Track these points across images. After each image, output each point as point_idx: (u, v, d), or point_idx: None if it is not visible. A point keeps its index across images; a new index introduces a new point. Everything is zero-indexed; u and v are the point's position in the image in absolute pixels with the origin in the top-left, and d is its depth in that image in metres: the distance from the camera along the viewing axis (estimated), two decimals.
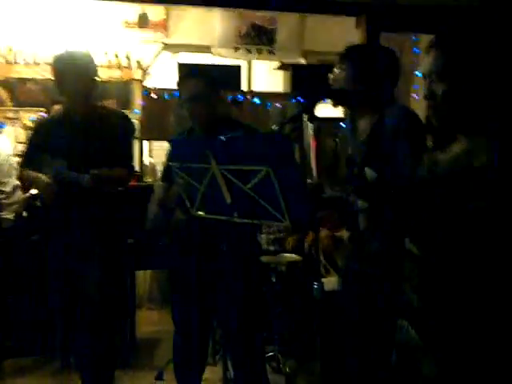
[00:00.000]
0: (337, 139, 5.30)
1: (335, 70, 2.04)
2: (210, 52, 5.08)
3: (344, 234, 2.40)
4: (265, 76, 5.63)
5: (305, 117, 1.66)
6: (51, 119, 2.69)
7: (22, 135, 4.90)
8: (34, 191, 3.51)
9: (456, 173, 1.35)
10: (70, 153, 2.45)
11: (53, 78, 2.53)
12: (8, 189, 3.51)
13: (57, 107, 4.03)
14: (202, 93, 2.38)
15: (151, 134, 4.90)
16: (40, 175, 2.45)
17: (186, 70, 2.56)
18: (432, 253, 1.39)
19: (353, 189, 1.35)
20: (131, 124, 2.78)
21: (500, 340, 1.32)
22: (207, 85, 2.40)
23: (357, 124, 2.10)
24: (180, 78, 2.53)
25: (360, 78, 1.98)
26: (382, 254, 1.93)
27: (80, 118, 2.54)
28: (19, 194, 3.61)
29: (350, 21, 4.39)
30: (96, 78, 2.57)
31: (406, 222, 1.40)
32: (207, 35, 5.06)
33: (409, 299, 1.47)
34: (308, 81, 4.96)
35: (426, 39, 4.58)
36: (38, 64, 4.85)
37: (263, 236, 3.89)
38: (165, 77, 5.07)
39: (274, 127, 1.62)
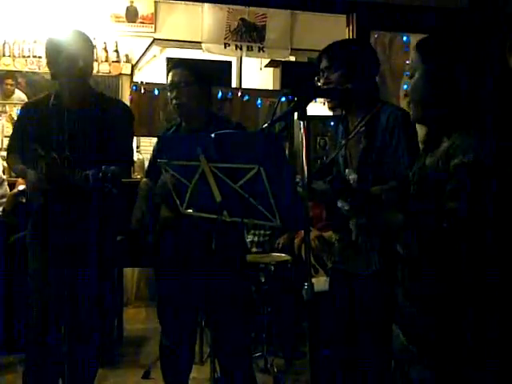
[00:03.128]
0: (326, 138, 5.31)
1: (326, 72, 2.03)
2: (201, 48, 5.04)
3: (333, 233, 2.40)
4: (254, 73, 5.61)
5: (295, 115, 1.64)
6: (40, 102, 2.48)
7: (9, 129, 4.84)
8: (21, 187, 3.46)
9: (435, 174, 1.35)
10: (59, 142, 2.31)
11: (45, 60, 2.40)
12: None
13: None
14: (186, 81, 2.35)
15: (140, 129, 4.84)
16: (29, 171, 2.35)
17: (179, 59, 2.51)
18: (416, 254, 1.38)
19: (335, 190, 1.35)
20: (130, 113, 2.64)
21: (491, 344, 1.31)
22: (192, 75, 2.37)
23: (348, 123, 2.10)
24: (167, 68, 2.48)
25: (354, 76, 1.98)
26: (373, 257, 1.93)
27: (72, 103, 2.40)
28: (5, 189, 3.56)
29: (341, 19, 4.38)
30: (91, 61, 2.45)
31: (391, 224, 1.39)
32: (196, 30, 5.02)
33: (401, 303, 1.46)
34: (298, 78, 4.96)
35: (416, 39, 4.58)
36: (26, 57, 4.79)
37: (249, 236, 3.88)
38: (154, 72, 5.04)
39: (264, 125, 1.60)
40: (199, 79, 2.40)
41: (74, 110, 2.40)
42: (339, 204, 1.46)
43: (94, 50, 4.62)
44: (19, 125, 2.55)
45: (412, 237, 1.35)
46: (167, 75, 2.46)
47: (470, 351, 1.31)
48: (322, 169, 2.23)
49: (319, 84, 2.07)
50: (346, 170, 1.33)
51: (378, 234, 1.84)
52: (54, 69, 2.36)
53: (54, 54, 2.35)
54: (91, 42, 2.46)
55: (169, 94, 2.43)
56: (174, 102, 2.40)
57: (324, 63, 2.04)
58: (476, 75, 1.41)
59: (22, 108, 2.62)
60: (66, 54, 2.32)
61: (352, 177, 1.34)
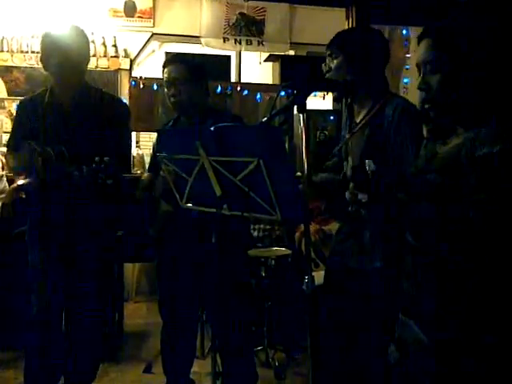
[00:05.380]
0: (325, 131, 5.30)
1: (327, 59, 2.01)
2: (200, 42, 5.03)
3: (333, 227, 2.39)
4: (254, 67, 5.60)
5: (294, 108, 1.64)
6: (36, 98, 2.47)
7: (8, 124, 4.83)
8: (20, 182, 3.44)
9: (456, 164, 1.31)
10: (55, 137, 2.29)
11: (40, 54, 2.38)
12: None
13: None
14: (182, 77, 2.34)
15: (139, 124, 4.84)
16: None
17: (173, 55, 2.48)
18: (430, 246, 1.37)
19: (354, 182, 1.32)
20: (127, 109, 2.62)
21: (506, 335, 1.30)
22: (188, 70, 2.36)
23: (354, 115, 2.08)
24: (163, 63, 2.47)
25: (354, 65, 1.96)
26: (377, 253, 1.92)
27: (67, 98, 2.39)
28: (4, 184, 3.55)
29: (340, 12, 4.36)
30: (87, 55, 2.43)
31: (404, 214, 1.37)
32: (195, 25, 5.01)
33: (411, 295, 1.44)
34: (298, 72, 4.95)
35: (416, 32, 4.57)
36: (24, 52, 4.77)
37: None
38: (153, 66, 5.02)
39: (264, 119, 1.59)
40: (194, 74, 2.38)
41: (70, 105, 2.39)
42: (359, 196, 1.41)
43: (91, 45, 4.66)
44: (16, 121, 2.55)
45: (433, 228, 1.32)
46: (162, 72, 2.45)
47: (489, 345, 1.29)
48: (333, 164, 2.20)
49: (323, 71, 2.05)
50: (366, 161, 1.31)
51: (389, 228, 1.80)
52: (48, 63, 2.34)
53: (48, 48, 2.33)
54: (87, 36, 2.42)
55: (166, 90, 2.42)
56: (171, 99, 2.39)
57: (328, 50, 2.02)
58: (490, 61, 1.36)
59: (18, 104, 2.60)
60: (60, 49, 2.30)
61: (372, 168, 1.31)
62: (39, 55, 2.39)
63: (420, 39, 1.42)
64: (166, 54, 4.76)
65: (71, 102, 2.40)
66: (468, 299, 1.31)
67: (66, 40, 2.31)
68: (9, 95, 4.84)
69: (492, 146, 1.25)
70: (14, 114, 2.60)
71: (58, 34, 2.33)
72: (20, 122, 2.49)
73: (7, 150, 2.56)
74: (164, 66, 2.44)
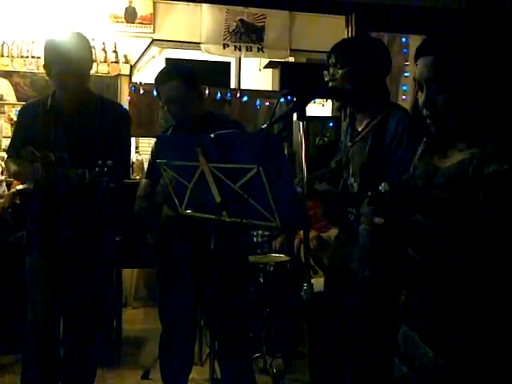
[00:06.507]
0: (325, 138, 5.31)
1: (331, 68, 2.02)
2: (200, 49, 5.04)
3: (331, 234, 2.39)
4: (253, 74, 5.61)
5: (294, 116, 1.64)
6: (37, 104, 2.46)
7: (8, 130, 4.84)
8: (19, 187, 3.45)
9: (463, 180, 1.31)
10: (56, 144, 2.29)
11: (43, 60, 2.37)
12: None
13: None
14: (179, 94, 2.33)
15: (139, 130, 4.85)
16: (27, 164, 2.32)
17: (163, 72, 2.45)
18: (434, 261, 1.36)
19: (369, 199, 1.31)
20: (128, 116, 2.61)
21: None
22: (184, 85, 2.34)
23: (355, 122, 2.09)
24: (156, 81, 2.44)
25: (359, 74, 1.96)
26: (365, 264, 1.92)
27: (69, 105, 2.39)
28: (3, 189, 3.56)
29: (340, 20, 4.39)
30: (90, 62, 2.43)
31: (405, 229, 1.36)
32: (195, 31, 5.02)
33: (415, 308, 1.44)
34: (297, 79, 4.96)
35: (415, 40, 4.59)
36: (24, 57, 4.78)
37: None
38: (153, 72, 5.02)
39: (264, 126, 1.60)
40: (191, 87, 2.36)
41: (71, 111, 2.39)
42: (376, 220, 1.41)
43: (93, 51, 4.68)
44: (17, 127, 2.55)
45: (437, 243, 1.31)
46: (157, 90, 2.43)
47: (492, 358, 1.29)
48: (331, 171, 2.20)
49: (326, 79, 2.05)
50: (382, 184, 1.30)
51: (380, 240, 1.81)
52: (51, 70, 2.34)
53: (51, 55, 2.33)
54: (89, 43, 2.43)
55: (165, 108, 2.41)
56: (170, 113, 2.40)
57: (332, 59, 2.02)
58: (492, 76, 1.36)
59: (20, 110, 2.61)
60: (64, 56, 2.29)
61: (385, 188, 1.31)
62: (42, 61, 2.39)
63: (419, 54, 1.38)
64: (167, 60, 4.78)
65: (73, 109, 2.40)
66: (473, 314, 1.31)
67: (69, 47, 2.31)
68: (8, 100, 4.85)
69: (501, 164, 1.25)
70: (15, 119, 2.59)
71: (61, 41, 2.33)
72: (21, 127, 2.49)
73: (7, 156, 2.56)
74: (158, 86, 2.42)
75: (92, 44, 4.90)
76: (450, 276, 1.33)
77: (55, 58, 2.31)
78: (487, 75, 1.34)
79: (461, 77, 1.33)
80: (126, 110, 2.68)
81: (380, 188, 1.30)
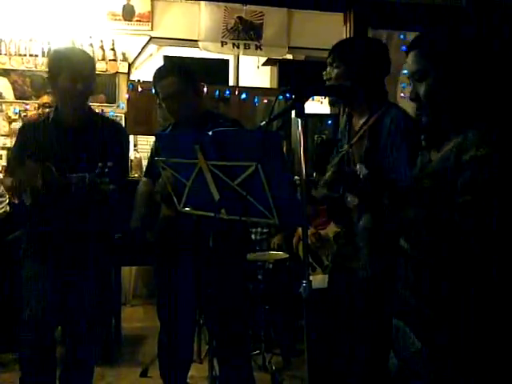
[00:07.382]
0: (323, 135, 5.31)
1: (328, 67, 2.03)
2: (198, 46, 5.04)
3: (329, 231, 2.40)
4: (252, 71, 5.61)
5: (292, 113, 1.64)
6: (38, 123, 2.50)
7: (6, 128, 4.84)
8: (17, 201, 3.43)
9: (445, 169, 1.34)
10: (57, 162, 2.26)
11: (47, 75, 2.40)
12: None
13: (45, 98, 3.97)
14: (177, 90, 2.33)
15: (137, 128, 4.85)
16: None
17: (161, 69, 2.46)
18: (422, 250, 1.38)
19: (346, 186, 1.33)
20: (126, 133, 2.69)
21: (502, 340, 1.31)
22: (181, 81, 2.35)
23: (352, 122, 2.09)
24: (154, 78, 2.45)
25: (353, 74, 1.97)
26: (369, 261, 1.93)
27: (71, 119, 2.41)
28: (2, 189, 3.55)
29: (338, 17, 4.38)
30: (94, 79, 2.44)
31: (397, 220, 1.39)
32: (193, 29, 5.02)
33: (404, 298, 1.45)
34: (296, 77, 4.95)
35: (413, 37, 4.58)
36: (22, 55, 4.77)
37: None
38: (151, 70, 5.02)
39: (262, 123, 1.60)
40: (189, 84, 2.37)
41: (73, 126, 2.41)
42: (348, 199, 1.44)
43: (90, 48, 4.67)
44: (16, 147, 2.54)
45: (423, 231, 1.34)
46: (155, 87, 2.44)
47: (481, 348, 1.30)
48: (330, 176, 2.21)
49: (324, 78, 2.06)
50: (358, 165, 1.33)
51: (380, 235, 1.82)
52: (56, 84, 2.35)
53: (57, 68, 2.34)
54: (94, 62, 2.46)
55: (163, 105, 2.42)
56: (168, 110, 2.40)
57: (330, 58, 2.04)
58: (488, 70, 1.40)
59: (20, 128, 2.62)
60: (70, 72, 2.30)
61: (364, 173, 1.33)
62: (40, 60, 2.40)
63: (408, 50, 1.45)
64: (165, 57, 4.77)
65: (75, 123, 2.41)
66: (460, 302, 1.32)
67: (77, 64, 2.32)
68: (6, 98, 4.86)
69: (477, 150, 1.28)
70: (15, 140, 2.59)
71: (67, 55, 2.36)
72: (19, 147, 2.48)
73: (5, 173, 2.56)
74: (155, 81, 2.42)
75: (90, 42, 4.93)
76: (432, 266, 1.36)
77: (62, 72, 2.32)
78: (466, 65, 1.38)
79: (438, 66, 1.38)
80: (124, 128, 2.75)
81: (356, 169, 1.33)
